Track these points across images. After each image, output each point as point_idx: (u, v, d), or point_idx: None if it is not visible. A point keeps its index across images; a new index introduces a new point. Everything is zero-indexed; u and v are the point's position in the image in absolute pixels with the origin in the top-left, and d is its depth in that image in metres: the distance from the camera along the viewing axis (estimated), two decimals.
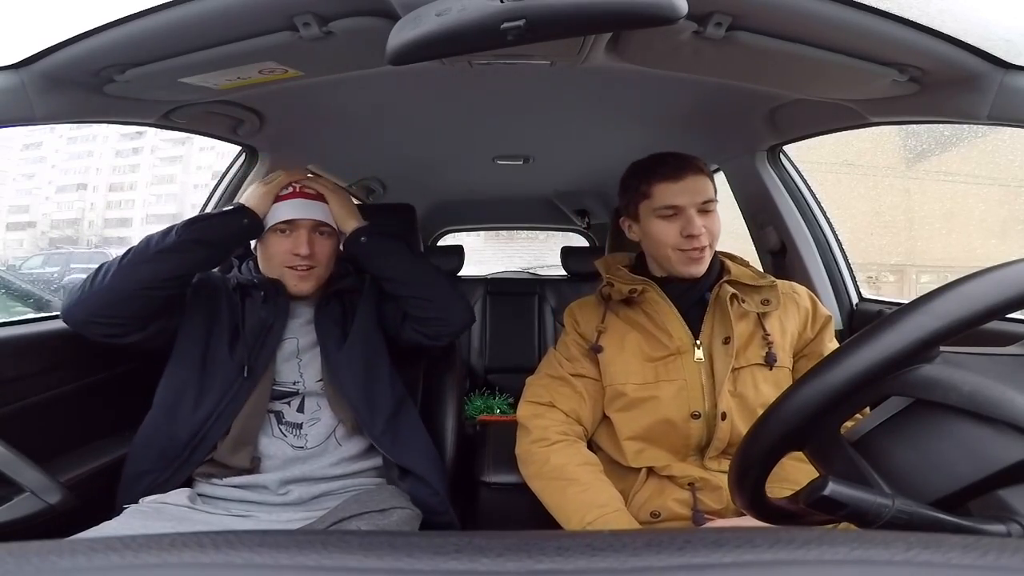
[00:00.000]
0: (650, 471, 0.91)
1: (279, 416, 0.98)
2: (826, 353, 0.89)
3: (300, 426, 0.98)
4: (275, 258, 1.03)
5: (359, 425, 1.00)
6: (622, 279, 0.98)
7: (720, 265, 0.98)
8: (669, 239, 0.92)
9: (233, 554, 0.22)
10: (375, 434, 0.99)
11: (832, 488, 0.40)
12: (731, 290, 0.91)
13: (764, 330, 0.91)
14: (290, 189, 1.05)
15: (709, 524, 0.85)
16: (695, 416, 0.88)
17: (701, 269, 0.93)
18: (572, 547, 0.22)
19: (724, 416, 0.87)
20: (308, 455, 0.97)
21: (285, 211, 1.03)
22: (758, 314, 0.92)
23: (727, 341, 0.90)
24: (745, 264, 1.00)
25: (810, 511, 0.44)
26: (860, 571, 0.20)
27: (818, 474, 0.46)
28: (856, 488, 0.41)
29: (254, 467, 0.94)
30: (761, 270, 1.00)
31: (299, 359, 1.02)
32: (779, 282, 0.97)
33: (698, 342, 0.91)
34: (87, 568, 0.21)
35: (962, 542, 0.21)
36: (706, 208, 0.92)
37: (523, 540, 0.23)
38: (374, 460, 1.03)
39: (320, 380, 1.01)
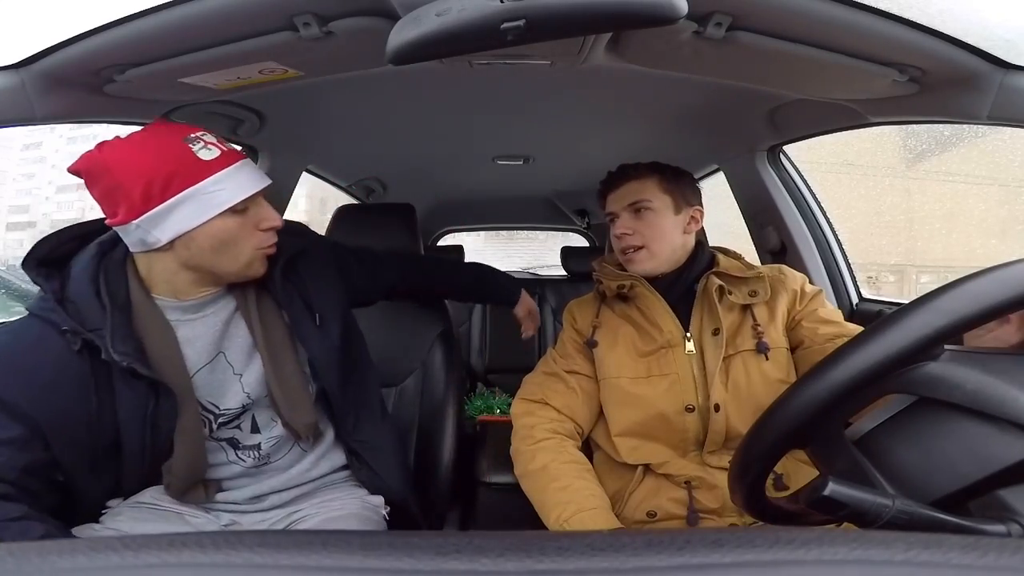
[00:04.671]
0: (647, 469, 0.91)
1: (234, 443, 0.85)
2: (822, 316, 0.91)
3: (259, 447, 0.86)
4: (241, 246, 0.77)
5: (326, 424, 0.91)
6: (610, 276, 1.00)
7: (711, 258, 1.00)
8: (613, 242, 1.00)
9: (233, 554, 0.22)
10: (346, 430, 0.91)
11: (832, 488, 0.40)
12: (717, 282, 0.92)
13: (754, 319, 0.92)
14: (207, 147, 0.74)
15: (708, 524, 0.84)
16: (689, 409, 0.89)
17: (637, 268, 0.97)
18: (572, 547, 0.22)
19: (717, 408, 0.87)
20: (272, 469, 0.88)
21: (233, 185, 0.74)
22: (748, 305, 0.92)
23: (716, 332, 0.90)
24: (737, 257, 1.01)
25: (810, 511, 0.44)
26: (860, 571, 0.20)
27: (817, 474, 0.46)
28: (856, 488, 0.41)
29: (213, 493, 0.84)
30: (750, 262, 1.01)
31: (239, 376, 0.82)
32: (766, 268, 0.98)
33: (688, 334, 0.92)
34: (87, 568, 0.21)
35: (962, 542, 0.22)
36: (636, 208, 0.96)
37: (523, 540, 0.23)
38: (340, 452, 0.95)
39: (266, 392, 0.84)
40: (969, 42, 0.70)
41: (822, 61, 0.77)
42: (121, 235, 0.74)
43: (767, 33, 0.73)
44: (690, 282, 0.96)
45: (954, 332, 0.40)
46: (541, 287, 2.39)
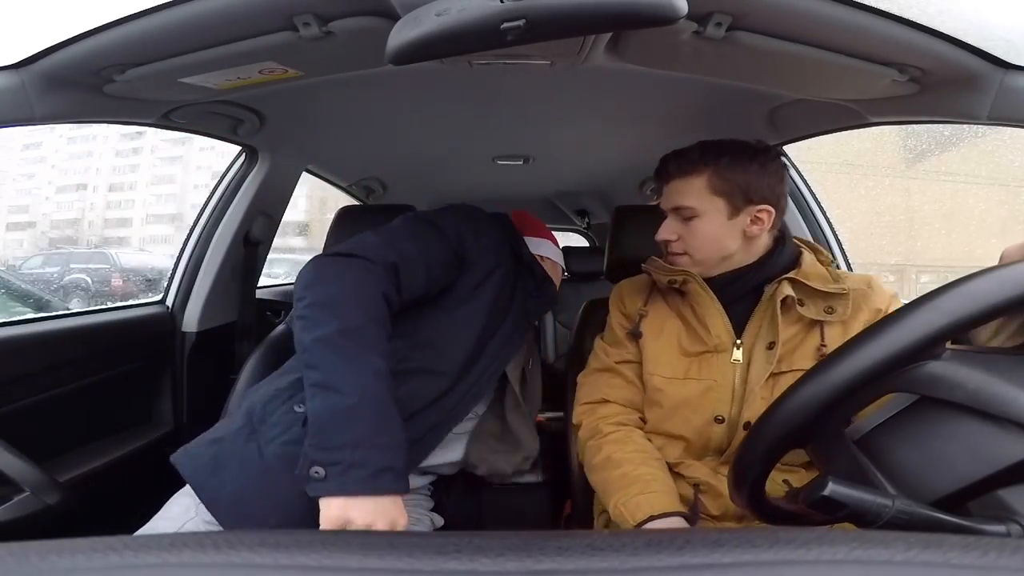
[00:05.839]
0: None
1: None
2: None
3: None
4: (556, 282, 1.17)
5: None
6: (659, 269, 0.91)
7: (795, 258, 0.87)
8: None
9: (233, 554, 0.22)
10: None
11: (832, 488, 0.40)
12: (787, 291, 0.80)
13: (821, 339, 0.80)
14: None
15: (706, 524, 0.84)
16: (718, 420, 0.83)
17: (680, 267, 0.90)
18: (572, 547, 0.22)
19: (747, 426, 0.81)
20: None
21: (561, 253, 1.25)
22: (820, 321, 0.81)
23: (771, 347, 0.80)
24: (826, 263, 0.87)
25: (810, 511, 0.44)
26: (860, 571, 0.20)
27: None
28: (856, 488, 0.41)
29: None
30: (840, 273, 0.87)
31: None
32: (852, 279, 0.84)
33: (739, 342, 0.84)
34: (87, 568, 0.21)
35: (962, 542, 0.22)
36: (680, 214, 0.86)
37: (523, 540, 0.23)
38: (455, 467, 1.04)
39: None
40: (969, 42, 0.70)
41: (822, 61, 0.77)
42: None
43: (767, 33, 0.73)
44: (757, 283, 0.85)
45: (955, 332, 0.40)
46: None
